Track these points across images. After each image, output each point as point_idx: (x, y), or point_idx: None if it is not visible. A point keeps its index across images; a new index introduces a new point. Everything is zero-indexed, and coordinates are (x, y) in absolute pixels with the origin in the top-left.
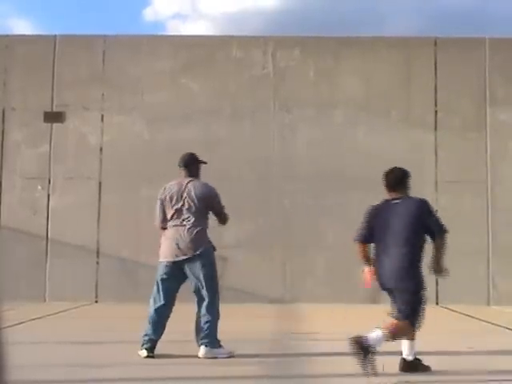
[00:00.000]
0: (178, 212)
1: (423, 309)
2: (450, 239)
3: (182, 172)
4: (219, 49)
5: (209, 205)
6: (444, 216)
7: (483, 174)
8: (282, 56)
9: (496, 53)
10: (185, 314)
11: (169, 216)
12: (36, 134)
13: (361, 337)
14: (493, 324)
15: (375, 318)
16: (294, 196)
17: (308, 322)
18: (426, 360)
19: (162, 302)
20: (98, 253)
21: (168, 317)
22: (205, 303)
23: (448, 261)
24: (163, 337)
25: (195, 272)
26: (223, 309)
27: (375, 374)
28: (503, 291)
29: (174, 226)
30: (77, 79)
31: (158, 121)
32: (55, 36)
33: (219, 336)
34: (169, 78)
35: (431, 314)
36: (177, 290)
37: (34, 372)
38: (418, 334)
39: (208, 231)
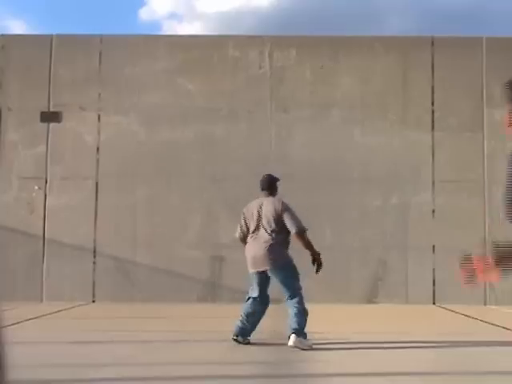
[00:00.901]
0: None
1: None
2: (447, 239)
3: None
4: (216, 49)
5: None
6: (441, 216)
7: (480, 174)
8: (278, 56)
9: (493, 52)
10: (178, 314)
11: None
12: (33, 134)
13: None
14: (490, 324)
15: (372, 318)
16: (291, 196)
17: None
18: (422, 360)
19: (255, 300)
20: (94, 252)
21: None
22: (290, 301)
23: (445, 260)
24: (165, 337)
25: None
26: (221, 309)
27: None
28: (500, 291)
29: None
30: (73, 79)
31: (154, 121)
32: (51, 36)
33: (217, 333)
34: (165, 77)
35: (428, 313)
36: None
37: (32, 372)
38: (415, 333)
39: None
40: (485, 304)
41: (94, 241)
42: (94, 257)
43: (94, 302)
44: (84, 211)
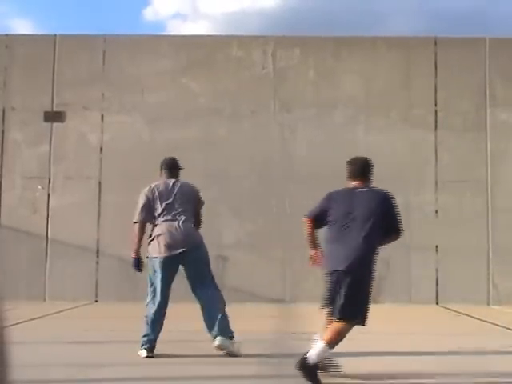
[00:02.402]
0: (168, 208)
1: (368, 307)
2: (451, 239)
3: (164, 174)
4: (219, 48)
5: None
6: (444, 216)
7: (483, 174)
8: (282, 56)
9: (496, 53)
10: (179, 312)
11: (158, 212)
12: (36, 133)
13: (305, 359)
14: (493, 324)
15: (375, 318)
16: (294, 196)
17: (308, 322)
18: (425, 360)
19: (160, 300)
20: (97, 252)
21: (165, 314)
22: (214, 293)
23: (448, 260)
24: (162, 336)
25: (197, 261)
26: None
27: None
28: (503, 291)
29: (164, 221)
30: (77, 79)
31: (158, 120)
32: (55, 36)
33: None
34: (169, 77)
35: (431, 313)
36: (171, 285)
37: (35, 372)
38: (418, 333)
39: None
40: (488, 304)
41: (97, 240)
42: (97, 256)
43: (96, 301)
44: (87, 211)
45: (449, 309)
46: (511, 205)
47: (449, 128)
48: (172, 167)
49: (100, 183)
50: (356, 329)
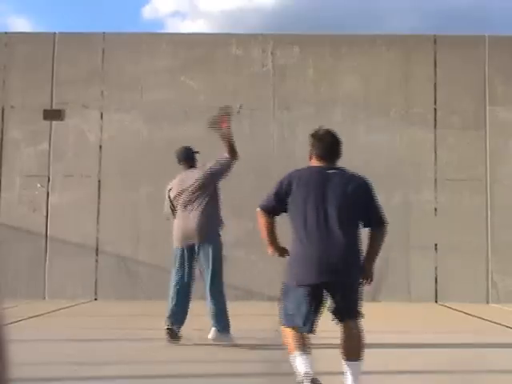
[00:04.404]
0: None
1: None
2: (450, 237)
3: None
4: (218, 46)
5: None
6: (443, 214)
7: (482, 172)
8: (281, 54)
9: (496, 51)
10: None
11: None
12: (35, 131)
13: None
14: (492, 322)
15: (374, 316)
16: None
17: None
18: (425, 358)
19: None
20: (97, 250)
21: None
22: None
23: (448, 259)
24: (162, 335)
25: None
26: None
27: None
28: (502, 289)
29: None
30: (76, 77)
31: (157, 119)
32: (54, 34)
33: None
34: (168, 75)
35: (430, 311)
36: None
37: (34, 370)
38: (417, 332)
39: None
40: (487, 302)
41: (97, 239)
42: (97, 254)
43: (96, 299)
44: (87, 209)
45: (448, 307)
46: (510, 203)
47: (448, 126)
48: (186, 158)
49: (99, 181)
50: None
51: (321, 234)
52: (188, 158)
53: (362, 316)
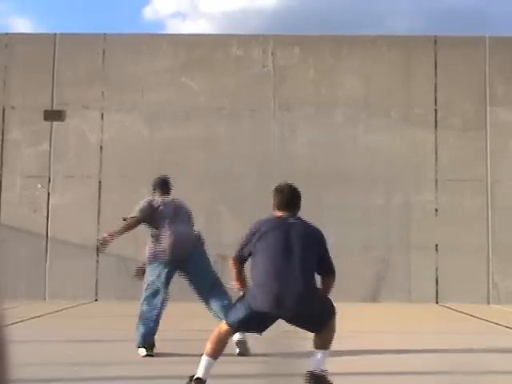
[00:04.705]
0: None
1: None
2: (450, 238)
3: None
4: (219, 47)
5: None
6: (444, 214)
7: (483, 173)
8: (281, 54)
9: (496, 51)
10: (178, 312)
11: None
12: (36, 132)
13: (313, 371)
14: (493, 323)
15: (375, 316)
16: None
17: None
18: (425, 359)
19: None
20: (97, 251)
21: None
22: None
23: (448, 259)
24: (161, 335)
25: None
26: None
27: None
28: (503, 290)
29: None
30: (77, 78)
31: (157, 119)
32: (55, 34)
33: None
34: (169, 76)
35: (431, 312)
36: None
37: (35, 370)
38: (418, 332)
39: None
40: (488, 303)
41: (97, 239)
42: (97, 255)
43: (96, 300)
44: (87, 210)
45: (449, 308)
46: (511, 203)
47: (449, 127)
48: (165, 186)
49: (100, 182)
50: (356, 328)
51: (284, 272)
52: (165, 186)
53: (334, 314)
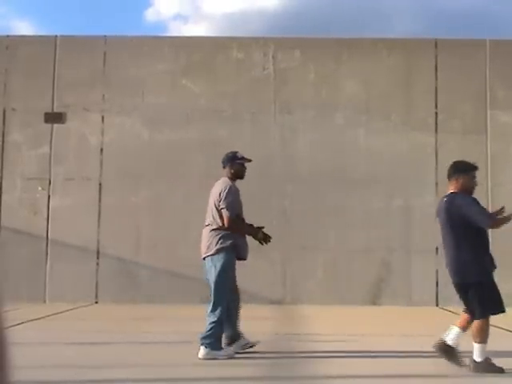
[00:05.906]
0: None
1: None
2: None
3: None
4: (220, 50)
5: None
6: None
7: (483, 176)
8: (282, 57)
9: (497, 55)
10: (181, 315)
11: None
12: (36, 134)
13: (443, 341)
14: (493, 326)
15: (375, 319)
16: (294, 197)
17: (308, 324)
18: (425, 361)
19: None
20: (98, 253)
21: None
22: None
23: None
24: (162, 338)
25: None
26: None
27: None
28: (503, 293)
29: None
30: (77, 80)
31: (158, 122)
32: (56, 37)
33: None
34: (169, 79)
35: (431, 315)
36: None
37: (35, 373)
38: (419, 335)
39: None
40: None
41: (98, 242)
42: (98, 258)
43: (96, 303)
44: (87, 212)
45: (449, 311)
46: (511, 207)
47: (449, 130)
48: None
49: (100, 184)
50: (356, 331)
51: None
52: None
53: None
